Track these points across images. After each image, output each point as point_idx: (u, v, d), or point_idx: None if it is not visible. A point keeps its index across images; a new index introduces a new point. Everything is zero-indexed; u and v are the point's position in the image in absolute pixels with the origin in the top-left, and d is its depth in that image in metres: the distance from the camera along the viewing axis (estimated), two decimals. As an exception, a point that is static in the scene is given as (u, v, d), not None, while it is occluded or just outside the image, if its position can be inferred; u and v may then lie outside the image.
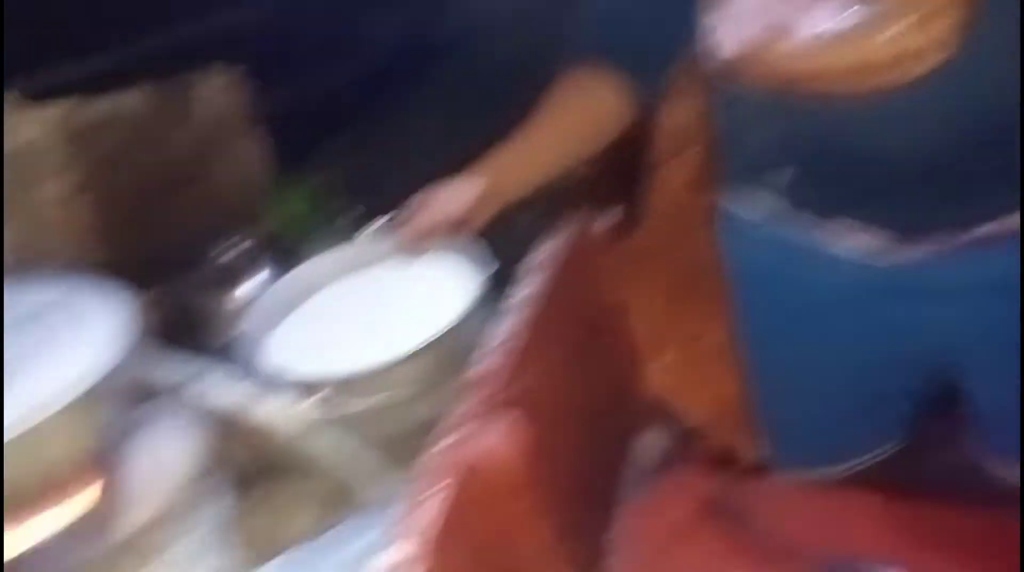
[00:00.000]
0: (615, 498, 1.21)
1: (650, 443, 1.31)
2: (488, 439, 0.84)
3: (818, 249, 1.03)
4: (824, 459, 1.23)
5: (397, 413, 1.07)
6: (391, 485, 1.01)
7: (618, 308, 1.26)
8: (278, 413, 0.97)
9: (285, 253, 1.48)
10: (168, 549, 0.86)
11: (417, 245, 1.20)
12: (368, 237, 1.35)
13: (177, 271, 1.43)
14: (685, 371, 1.36)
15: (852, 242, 1.01)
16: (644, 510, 1.06)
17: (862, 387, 1.14)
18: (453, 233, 1.19)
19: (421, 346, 1.08)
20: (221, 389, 0.99)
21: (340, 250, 1.31)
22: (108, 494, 0.84)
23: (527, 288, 1.08)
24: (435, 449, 0.85)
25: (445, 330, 1.10)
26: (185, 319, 1.38)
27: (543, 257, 1.14)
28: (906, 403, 1.16)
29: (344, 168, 1.62)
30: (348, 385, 1.08)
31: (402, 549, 0.76)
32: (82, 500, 0.86)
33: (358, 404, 1.06)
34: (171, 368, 1.02)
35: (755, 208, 1.08)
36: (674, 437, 1.33)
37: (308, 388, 1.07)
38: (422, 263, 1.22)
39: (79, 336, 0.90)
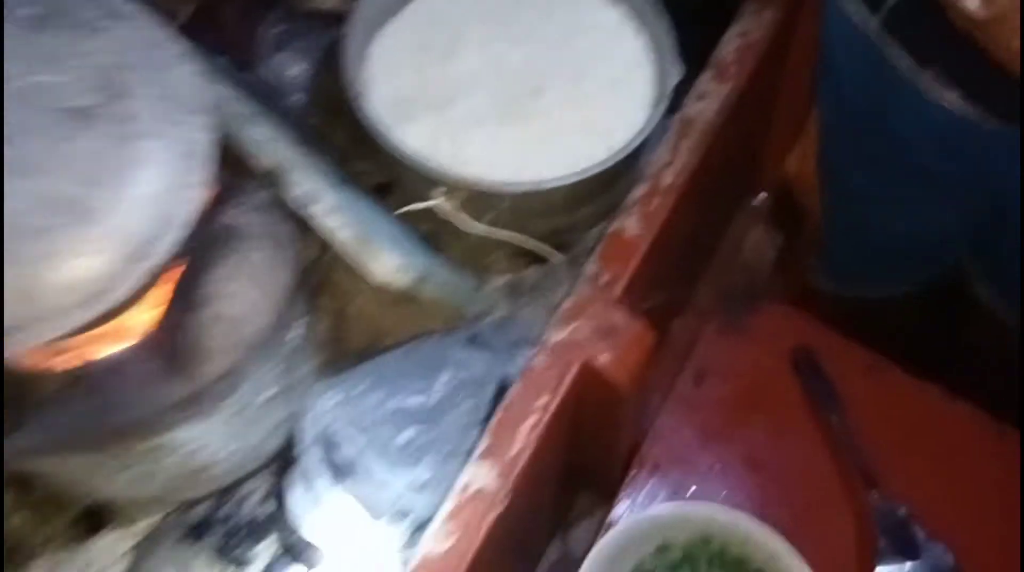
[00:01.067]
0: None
1: (759, 247, 1.14)
2: (608, 352, 0.75)
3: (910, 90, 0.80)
4: (877, 276, 1.10)
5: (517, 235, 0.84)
6: (493, 302, 0.86)
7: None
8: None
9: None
10: (249, 375, 0.73)
11: None
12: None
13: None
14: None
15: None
16: (735, 344, 0.93)
17: (930, 203, 0.94)
18: None
19: (588, 171, 0.80)
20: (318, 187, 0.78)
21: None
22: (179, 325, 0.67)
23: (709, 100, 0.86)
24: (553, 338, 0.76)
25: (617, 155, 0.81)
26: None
27: (739, 45, 0.89)
28: (966, 229, 0.99)
29: None
30: (481, 197, 0.81)
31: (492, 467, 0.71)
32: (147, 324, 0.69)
33: (477, 221, 0.82)
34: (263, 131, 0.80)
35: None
36: (783, 243, 1.15)
37: (431, 180, 0.80)
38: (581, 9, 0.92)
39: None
